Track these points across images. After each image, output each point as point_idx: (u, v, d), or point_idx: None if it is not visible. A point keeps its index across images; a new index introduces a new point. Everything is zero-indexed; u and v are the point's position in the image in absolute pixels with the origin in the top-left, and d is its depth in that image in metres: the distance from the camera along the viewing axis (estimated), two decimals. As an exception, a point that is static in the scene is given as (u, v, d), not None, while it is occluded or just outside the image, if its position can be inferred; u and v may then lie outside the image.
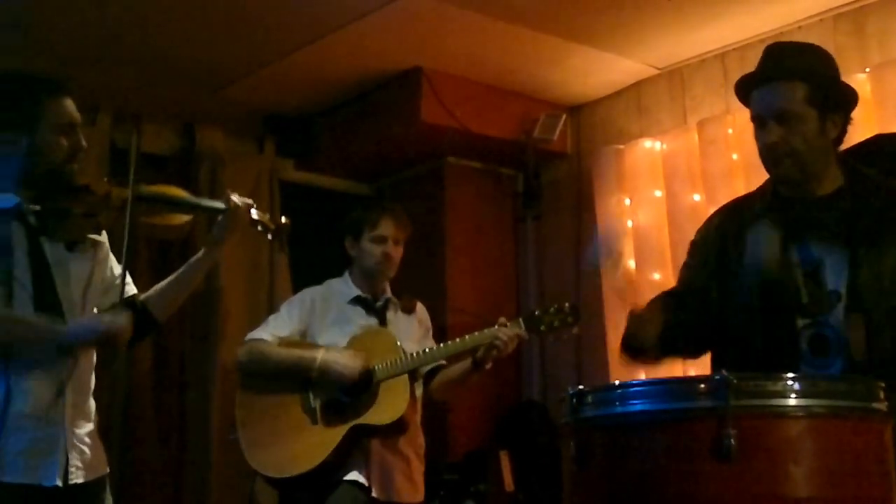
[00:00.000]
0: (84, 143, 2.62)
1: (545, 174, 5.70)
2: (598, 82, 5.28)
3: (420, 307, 3.86)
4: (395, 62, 5.02)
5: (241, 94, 5.22)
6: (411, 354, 3.52)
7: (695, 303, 2.50)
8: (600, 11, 4.46)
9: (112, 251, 2.77)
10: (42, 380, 2.47)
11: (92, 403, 2.63)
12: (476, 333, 3.52)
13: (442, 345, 3.58)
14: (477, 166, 5.75)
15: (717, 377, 1.83)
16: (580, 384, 2.01)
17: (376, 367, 3.49)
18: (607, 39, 4.77)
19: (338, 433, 3.43)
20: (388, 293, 3.78)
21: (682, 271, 2.65)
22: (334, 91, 5.33)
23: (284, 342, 3.61)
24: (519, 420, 5.27)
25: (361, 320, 3.67)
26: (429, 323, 3.89)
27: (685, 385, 1.98)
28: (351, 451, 3.46)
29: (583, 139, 5.57)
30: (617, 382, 2.07)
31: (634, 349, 2.51)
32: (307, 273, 4.61)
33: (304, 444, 3.46)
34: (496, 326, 3.51)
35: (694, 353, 2.67)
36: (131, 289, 2.77)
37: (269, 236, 2.91)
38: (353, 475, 3.44)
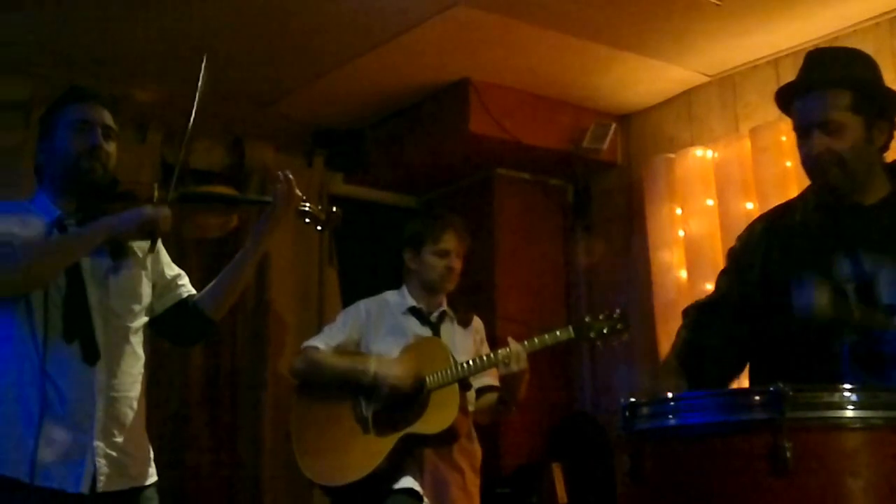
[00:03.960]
0: (102, 142, 2.62)
1: (595, 184, 5.68)
2: (647, 90, 5.25)
3: (477, 320, 3.89)
4: (443, 74, 5.03)
5: (291, 109, 5.25)
6: (461, 364, 3.52)
7: (731, 312, 2.47)
8: (649, 19, 4.43)
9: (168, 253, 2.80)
10: (75, 386, 2.48)
11: (134, 412, 2.61)
12: (526, 341, 3.54)
13: (490, 354, 3.58)
14: (526, 177, 5.74)
15: (772, 389, 1.80)
16: (632, 396, 2.00)
17: (427, 377, 3.50)
18: (656, 47, 4.73)
19: (389, 442, 3.45)
20: (444, 306, 3.80)
21: (720, 278, 2.60)
22: (383, 104, 5.34)
23: (338, 351, 3.64)
24: (571, 432, 5.24)
25: (416, 330, 3.69)
26: (483, 334, 3.91)
27: (740, 397, 1.96)
28: (404, 460, 3.47)
29: (633, 148, 5.54)
30: (671, 395, 2.05)
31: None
32: (357, 286, 4.63)
33: (357, 453, 3.48)
34: (545, 335, 3.55)
35: (735, 369, 2.58)
36: (188, 289, 2.79)
37: (319, 227, 2.89)
38: (408, 482, 3.44)
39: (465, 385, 3.59)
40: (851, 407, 1.81)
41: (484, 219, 5.58)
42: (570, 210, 5.76)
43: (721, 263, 3.25)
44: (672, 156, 5.12)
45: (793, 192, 4.29)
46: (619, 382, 5.21)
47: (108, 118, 2.68)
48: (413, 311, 3.72)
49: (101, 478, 2.47)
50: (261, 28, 4.39)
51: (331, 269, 5.45)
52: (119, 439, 2.54)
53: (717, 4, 4.23)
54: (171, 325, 2.77)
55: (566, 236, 5.80)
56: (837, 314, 2.28)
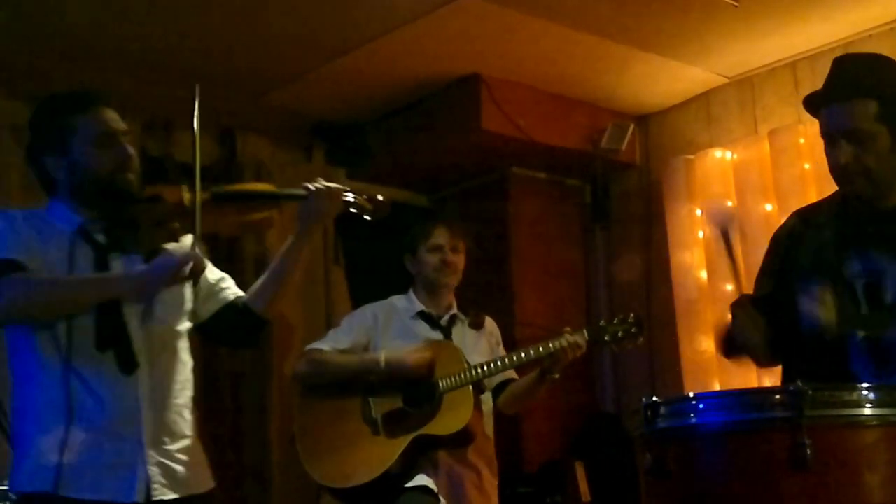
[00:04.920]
0: (130, 150, 2.53)
1: (613, 185, 5.67)
2: (665, 91, 5.24)
3: (489, 322, 3.82)
4: (450, 68, 4.89)
5: (286, 100, 5.02)
6: (475, 367, 3.51)
7: (764, 310, 2.49)
8: (667, 19, 4.41)
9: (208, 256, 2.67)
10: (116, 395, 2.41)
11: (183, 419, 2.55)
12: (540, 346, 3.50)
13: (505, 357, 3.57)
14: (542, 177, 5.66)
15: (791, 388, 1.84)
16: (653, 395, 2.03)
17: (440, 381, 3.49)
18: (675, 47, 4.72)
19: (401, 443, 3.41)
20: (455, 309, 3.74)
21: (756, 277, 2.64)
22: (387, 97, 5.13)
23: (346, 355, 3.61)
24: (593, 431, 5.25)
25: (426, 334, 3.64)
26: (499, 335, 3.84)
27: (760, 396, 2.00)
28: (417, 461, 3.42)
29: (651, 149, 5.54)
30: (692, 394, 2.08)
31: (736, 349, 2.53)
32: (365, 287, 4.47)
33: (366, 454, 3.43)
34: (563, 337, 3.52)
35: (770, 362, 2.66)
36: (234, 291, 2.71)
37: (367, 217, 2.78)
38: (422, 479, 3.38)
39: (479, 388, 3.57)
40: (869, 405, 1.86)
41: (499, 219, 5.50)
42: (589, 211, 5.72)
43: (742, 264, 3.29)
44: (691, 157, 5.14)
45: (811, 194, 4.33)
46: (639, 382, 5.24)
47: (119, 119, 2.55)
48: (422, 315, 3.67)
49: (156, 486, 2.41)
50: (254, 13, 4.19)
51: (337, 269, 5.31)
52: (170, 447, 2.46)
53: (735, 6, 4.24)
54: (221, 328, 2.69)
55: (585, 237, 5.77)
56: (843, 325, 2.33)
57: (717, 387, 4.74)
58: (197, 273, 2.47)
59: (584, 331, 3.55)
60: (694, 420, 1.97)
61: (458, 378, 3.46)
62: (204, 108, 2.52)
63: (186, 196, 2.52)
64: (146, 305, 2.48)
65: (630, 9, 4.34)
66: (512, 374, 3.68)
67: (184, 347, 2.61)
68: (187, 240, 2.54)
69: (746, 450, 1.89)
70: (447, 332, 3.67)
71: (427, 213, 5.72)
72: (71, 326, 2.39)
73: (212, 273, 2.69)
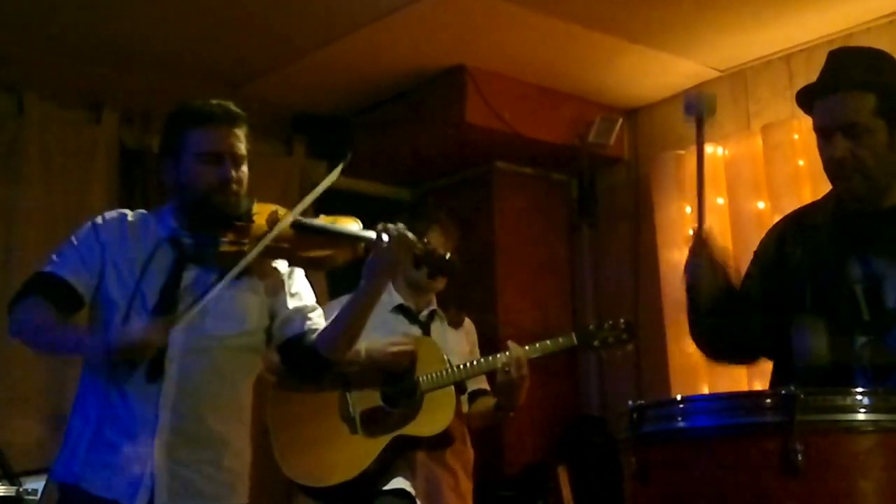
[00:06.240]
0: (234, 174, 2.58)
1: (601, 180, 5.63)
2: (655, 84, 5.19)
3: (468, 322, 3.80)
4: (435, 59, 4.86)
5: (265, 92, 4.98)
6: (458, 366, 3.46)
7: (748, 312, 2.46)
8: (657, 10, 4.37)
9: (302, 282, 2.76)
10: (141, 398, 2.48)
11: (209, 429, 2.56)
12: (526, 346, 3.46)
13: (490, 357, 3.51)
14: (527, 171, 5.64)
15: (783, 392, 1.80)
16: (640, 398, 2.01)
17: (421, 378, 3.43)
18: (665, 39, 4.68)
19: (379, 443, 3.36)
20: (434, 304, 3.70)
21: (743, 280, 2.59)
22: (369, 89, 5.10)
23: None
24: (577, 434, 5.23)
25: (404, 329, 3.58)
26: (475, 338, 3.82)
27: (751, 400, 1.97)
28: (394, 461, 3.38)
29: (640, 144, 5.51)
30: (679, 397, 2.04)
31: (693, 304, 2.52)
32: (343, 281, 4.47)
33: (343, 453, 3.37)
34: (548, 341, 3.47)
35: (748, 358, 2.68)
36: (311, 323, 2.72)
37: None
38: (399, 482, 3.35)
39: (460, 388, 3.52)
40: (863, 410, 1.82)
41: (483, 214, 5.48)
42: (575, 206, 5.68)
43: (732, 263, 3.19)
44: (681, 152, 5.07)
45: (805, 191, 4.27)
46: (625, 385, 5.18)
47: (238, 143, 2.62)
48: (401, 309, 3.62)
49: (162, 494, 2.45)
50: (232, 1, 4.16)
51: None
52: (187, 457, 2.51)
53: (727, -6, 4.20)
54: (289, 357, 2.74)
55: (571, 234, 5.74)
56: (836, 358, 2.28)
57: (705, 390, 4.69)
58: (136, 355, 2.47)
59: (573, 335, 3.52)
60: (681, 424, 1.93)
61: (439, 376, 3.41)
62: (178, 99, 2.65)
63: (276, 220, 2.61)
64: (198, 315, 2.53)
65: (619, 0, 4.29)
66: (486, 384, 3.62)
67: (230, 359, 2.63)
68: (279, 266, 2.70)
69: (735, 455, 1.84)
70: (426, 328, 3.63)
71: (409, 208, 5.65)
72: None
73: (297, 300, 2.73)
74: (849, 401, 1.83)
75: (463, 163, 5.50)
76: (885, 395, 1.87)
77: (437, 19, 4.41)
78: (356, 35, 4.50)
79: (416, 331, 3.59)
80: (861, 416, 1.81)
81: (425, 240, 2.83)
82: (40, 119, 4.59)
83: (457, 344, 3.65)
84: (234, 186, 2.58)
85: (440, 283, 3.66)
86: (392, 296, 3.61)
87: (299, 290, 2.75)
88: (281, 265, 2.70)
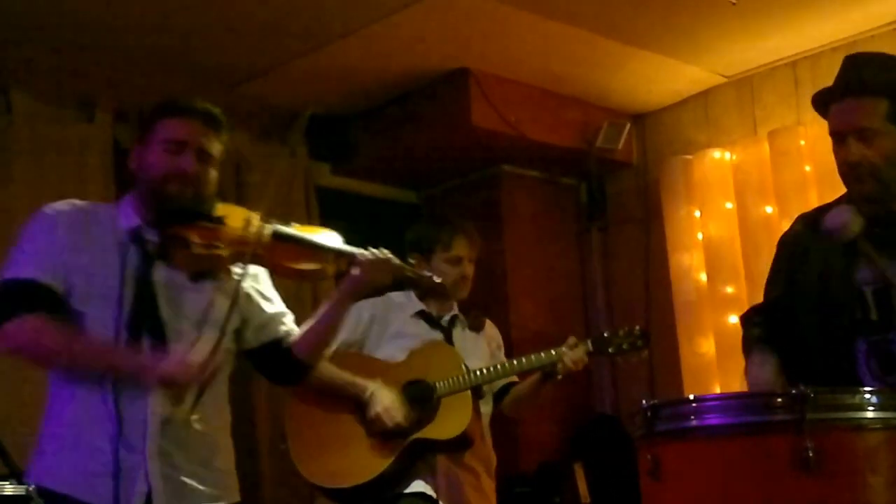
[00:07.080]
0: (196, 167, 2.47)
1: (609, 185, 5.64)
2: (662, 90, 5.21)
3: (489, 324, 3.77)
4: (438, 61, 4.79)
5: (266, 92, 4.89)
6: (474, 372, 3.46)
7: (775, 314, 2.48)
8: (664, 16, 4.37)
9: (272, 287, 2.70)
10: (131, 404, 2.41)
11: (199, 434, 2.51)
12: (542, 353, 3.45)
13: (507, 362, 3.53)
14: (535, 175, 5.60)
15: (794, 391, 1.83)
16: (653, 398, 2.02)
17: (437, 384, 3.45)
18: (672, 45, 4.69)
19: (396, 446, 3.35)
20: (455, 310, 3.66)
21: (766, 281, 2.62)
22: (372, 90, 5.00)
23: (338, 355, 3.54)
24: (592, 433, 5.23)
25: (424, 334, 3.56)
26: (499, 339, 3.78)
27: (762, 399, 2.00)
28: (414, 464, 3.36)
29: (648, 149, 5.52)
30: (692, 396, 2.08)
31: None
32: None
33: (360, 456, 3.35)
34: (564, 347, 3.48)
35: None
36: (287, 328, 2.68)
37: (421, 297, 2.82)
38: (419, 486, 3.34)
39: (477, 393, 3.50)
40: (872, 408, 1.86)
41: (491, 217, 5.41)
42: (584, 210, 5.67)
43: (742, 266, 3.28)
44: (690, 157, 5.12)
45: (812, 196, 4.30)
46: (639, 385, 5.20)
47: (209, 142, 2.50)
48: (422, 314, 3.58)
49: (160, 499, 2.39)
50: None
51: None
52: (180, 462, 2.44)
53: (733, 3, 4.18)
54: (264, 362, 2.70)
55: (580, 238, 5.73)
56: (847, 288, 2.31)
57: (716, 389, 4.72)
58: (174, 385, 2.40)
59: (588, 342, 3.49)
60: (694, 422, 1.95)
61: (455, 381, 3.41)
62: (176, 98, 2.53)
63: (252, 226, 2.49)
64: (174, 318, 2.47)
65: (626, 5, 4.30)
66: (514, 377, 3.65)
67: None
68: (235, 269, 2.54)
69: (747, 452, 1.87)
70: (447, 333, 3.61)
71: (416, 210, 5.66)
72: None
73: (270, 305, 2.67)
74: (857, 399, 1.87)
75: (470, 166, 5.45)
76: (892, 394, 1.93)
77: (440, 21, 4.35)
78: (359, 35, 4.42)
79: (437, 335, 3.57)
80: (870, 414, 1.84)
81: (411, 261, 2.82)
82: (29, 117, 4.43)
83: (477, 348, 3.62)
84: (193, 179, 2.46)
85: (466, 292, 3.61)
86: (413, 301, 3.60)
87: (272, 294, 2.69)
88: (251, 268, 2.56)
